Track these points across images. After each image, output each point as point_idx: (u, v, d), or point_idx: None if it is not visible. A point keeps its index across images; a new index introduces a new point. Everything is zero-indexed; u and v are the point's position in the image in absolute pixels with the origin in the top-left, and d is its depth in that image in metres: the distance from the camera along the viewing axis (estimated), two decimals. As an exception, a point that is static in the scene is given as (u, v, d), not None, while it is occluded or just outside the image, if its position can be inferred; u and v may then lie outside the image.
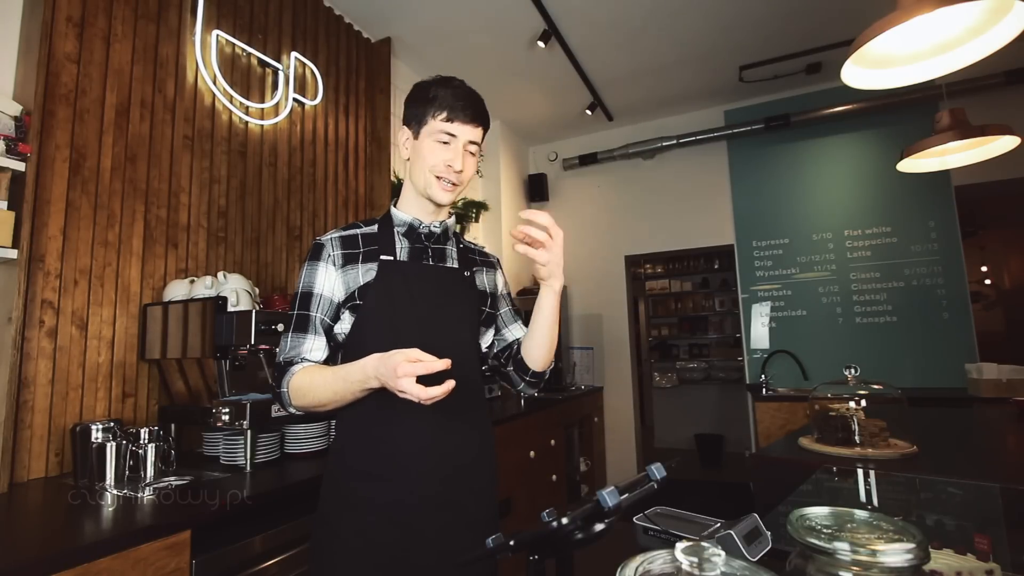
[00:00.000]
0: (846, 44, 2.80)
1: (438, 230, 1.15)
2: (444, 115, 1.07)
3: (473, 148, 1.11)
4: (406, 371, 0.85)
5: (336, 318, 1.09)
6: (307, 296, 1.07)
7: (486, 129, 1.14)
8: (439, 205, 1.12)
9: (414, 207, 1.15)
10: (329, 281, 1.08)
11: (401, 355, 0.87)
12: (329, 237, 1.11)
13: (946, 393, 3.17)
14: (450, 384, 0.86)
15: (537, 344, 1.14)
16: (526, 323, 1.21)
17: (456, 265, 1.18)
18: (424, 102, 1.09)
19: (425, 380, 0.86)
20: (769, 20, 3.17)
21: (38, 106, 1.60)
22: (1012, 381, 2.74)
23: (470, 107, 1.08)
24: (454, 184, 1.10)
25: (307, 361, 1.06)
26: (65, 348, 1.64)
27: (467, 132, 1.09)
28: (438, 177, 1.08)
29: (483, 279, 1.23)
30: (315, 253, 1.10)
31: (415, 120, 1.11)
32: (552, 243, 0.99)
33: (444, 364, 0.86)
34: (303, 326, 1.07)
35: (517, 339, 1.25)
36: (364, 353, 0.96)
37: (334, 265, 1.08)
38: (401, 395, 0.87)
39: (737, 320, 4.46)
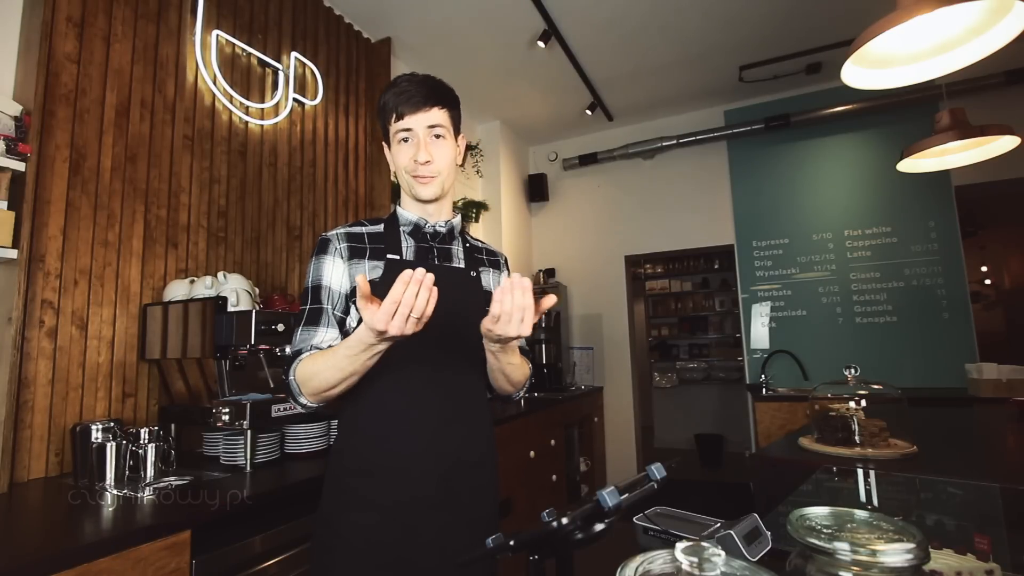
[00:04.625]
0: (846, 44, 2.80)
1: (443, 229, 1.15)
2: (394, 116, 1.06)
3: (440, 131, 1.07)
4: (385, 323, 0.80)
5: (347, 311, 1.08)
6: (317, 289, 1.06)
7: (450, 107, 1.10)
8: (427, 202, 1.11)
9: (413, 209, 1.15)
10: (337, 273, 1.07)
11: (370, 314, 0.81)
12: (335, 232, 1.10)
13: (946, 393, 3.17)
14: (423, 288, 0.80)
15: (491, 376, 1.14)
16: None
17: (462, 265, 1.17)
18: (383, 113, 1.09)
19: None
20: (769, 20, 3.17)
21: (38, 106, 1.60)
22: (1012, 381, 2.74)
23: (416, 94, 1.05)
24: (429, 176, 1.07)
25: (316, 350, 1.02)
26: (65, 348, 1.64)
27: (420, 119, 1.05)
28: (414, 176, 1.08)
29: (488, 280, 1.21)
30: (321, 247, 1.09)
31: (384, 133, 1.12)
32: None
33: (421, 280, 0.80)
34: (315, 319, 1.05)
35: None
36: None
37: (341, 258, 1.08)
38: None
39: (737, 320, 4.46)
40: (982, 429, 2.14)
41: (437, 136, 1.07)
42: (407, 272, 0.79)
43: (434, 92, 1.07)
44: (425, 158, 1.05)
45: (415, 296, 0.79)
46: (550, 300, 0.89)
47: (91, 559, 1.01)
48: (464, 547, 1.02)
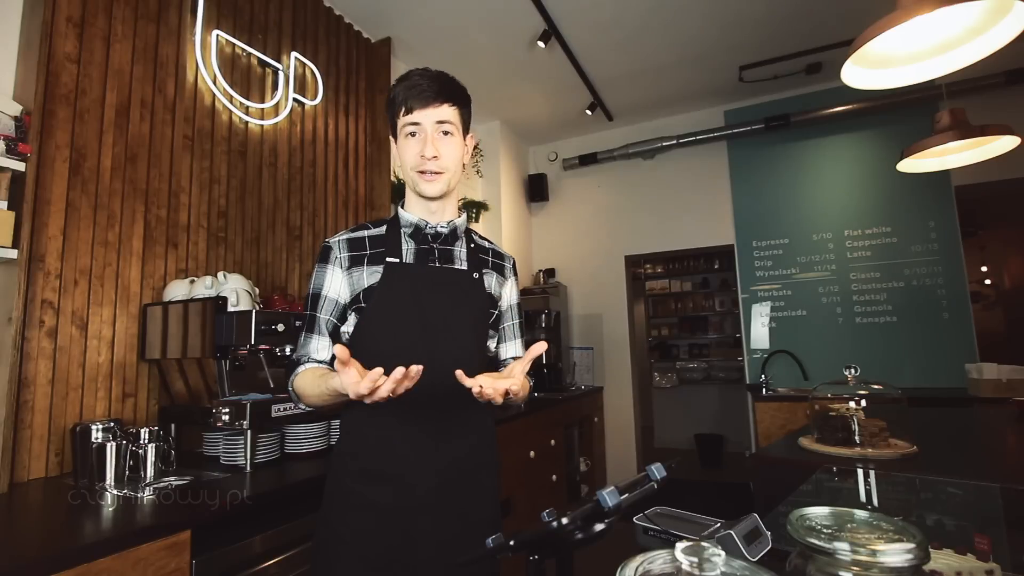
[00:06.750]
0: (846, 44, 2.80)
1: (445, 230, 1.14)
2: (403, 109, 1.06)
3: (448, 127, 1.06)
4: (360, 392, 0.82)
5: (343, 319, 1.11)
6: (315, 298, 1.10)
7: (460, 105, 1.09)
8: (431, 199, 1.10)
9: (416, 208, 1.14)
10: (335, 283, 1.09)
11: (348, 379, 0.83)
12: (337, 239, 1.11)
13: (946, 393, 3.17)
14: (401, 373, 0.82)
15: None
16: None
17: (465, 266, 1.16)
18: (392, 106, 1.09)
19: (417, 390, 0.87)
20: (769, 20, 3.17)
21: (38, 106, 1.60)
22: (1012, 381, 2.74)
23: (427, 89, 1.04)
24: (436, 172, 1.06)
25: (312, 361, 1.09)
26: (65, 348, 1.64)
27: (429, 115, 1.05)
28: (419, 172, 1.07)
29: (491, 283, 1.19)
30: (323, 256, 1.11)
31: (391, 126, 1.12)
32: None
33: (377, 377, 0.81)
34: (311, 326, 1.10)
35: (510, 358, 1.23)
36: (367, 355, 0.96)
37: (340, 267, 1.09)
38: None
39: (737, 320, 4.46)
40: (982, 429, 2.13)
41: (445, 133, 1.07)
42: (400, 370, 0.80)
43: (445, 88, 1.06)
44: (432, 153, 1.05)
45: (396, 382, 0.82)
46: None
47: (91, 559, 1.01)
48: (462, 548, 1.02)
